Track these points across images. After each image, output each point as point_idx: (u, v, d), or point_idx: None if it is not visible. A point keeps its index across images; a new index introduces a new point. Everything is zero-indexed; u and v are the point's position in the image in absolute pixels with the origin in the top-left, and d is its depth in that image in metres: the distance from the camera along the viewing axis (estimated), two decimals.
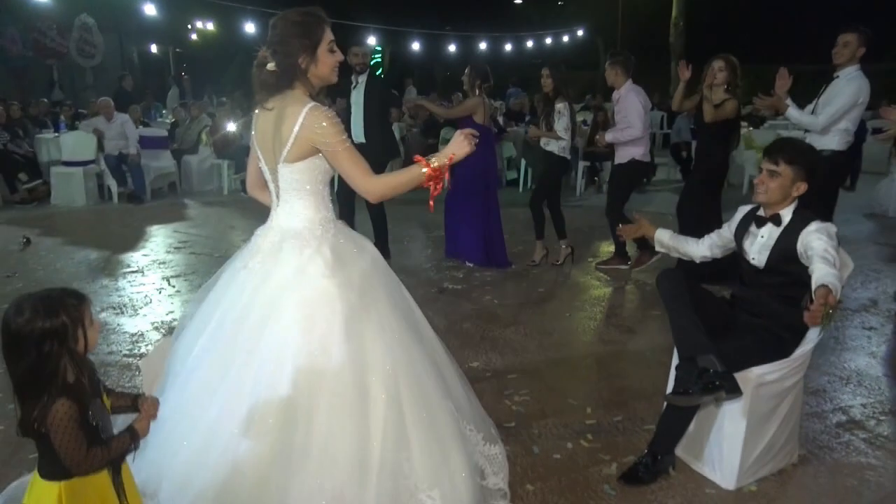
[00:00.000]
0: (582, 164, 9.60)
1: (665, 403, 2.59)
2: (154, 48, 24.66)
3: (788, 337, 2.58)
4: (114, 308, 4.59)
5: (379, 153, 5.15)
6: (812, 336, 2.59)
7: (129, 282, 5.21)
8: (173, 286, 5.11)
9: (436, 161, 2.02)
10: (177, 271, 5.51)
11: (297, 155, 2.07)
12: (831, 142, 4.45)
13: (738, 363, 2.47)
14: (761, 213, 2.63)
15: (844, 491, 2.58)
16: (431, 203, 2.11)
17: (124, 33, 20.67)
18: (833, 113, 4.37)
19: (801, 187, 2.55)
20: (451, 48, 21.02)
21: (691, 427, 2.61)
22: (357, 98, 5.34)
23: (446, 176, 2.03)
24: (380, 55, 23.65)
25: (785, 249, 2.51)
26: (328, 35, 2.11)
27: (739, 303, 2.75)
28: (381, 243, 5.29)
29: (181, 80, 17.72)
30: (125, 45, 22.00)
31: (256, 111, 2.19)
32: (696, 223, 4.71)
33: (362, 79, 5.33)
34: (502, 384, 3.44)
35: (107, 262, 5.81)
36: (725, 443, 2.56)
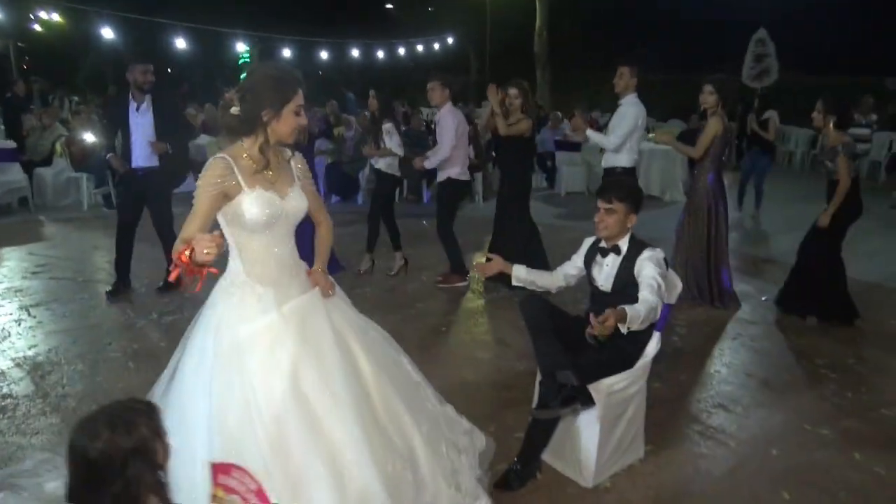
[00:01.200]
0: None
1: (530, 416, 2.89)
2: None
3: (632, 350, 2.97)
4: None
5: (172, 174, 5.30)
6: (650, 349, 3.00)
7: None
8: (34, 316, 4.83)
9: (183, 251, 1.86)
10: (36, 299, 5.20)
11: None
12: (622, 159, 5.25)
13: (591, 376, 2.81)
14: (603, 244, 3.02)
15: (682, 479, 3.01)
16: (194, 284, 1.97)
17: None
18: (622, 134, 5.16)
19: (633, 219, 2.97)
20: (324, 54, 20.86)
21: (556, 434, 2.93)
22: (142, 120, 5.00)
23: (201, 272, 1.87)
24: (248, 56, 22.97)
25: (626, 275, 2.91)
26: (299, 98, 2.18)
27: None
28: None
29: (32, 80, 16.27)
30: None
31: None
32: (510, 236, 5.48)
33: (147, 99, 5.00)
34: None
35: None
36: (582, 446, 2.90)
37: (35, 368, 3.96)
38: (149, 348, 4.36)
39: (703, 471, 3.08)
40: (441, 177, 5.72)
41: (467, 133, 5.81)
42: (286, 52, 19.02)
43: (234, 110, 2.15)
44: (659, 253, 2.93)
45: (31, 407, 3.50)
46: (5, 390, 3.66)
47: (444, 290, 5.57)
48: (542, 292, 3.25)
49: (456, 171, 5.64)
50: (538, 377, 2.91)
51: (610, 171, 5.32)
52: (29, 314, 4.87)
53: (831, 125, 4.58)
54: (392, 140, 5.70)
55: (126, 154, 5.03)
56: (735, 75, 13.89)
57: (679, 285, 3.07)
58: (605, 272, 3.01)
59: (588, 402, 2.71)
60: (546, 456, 3.03)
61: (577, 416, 2.88)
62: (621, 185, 3.04)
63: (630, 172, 5.26)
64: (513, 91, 5.35)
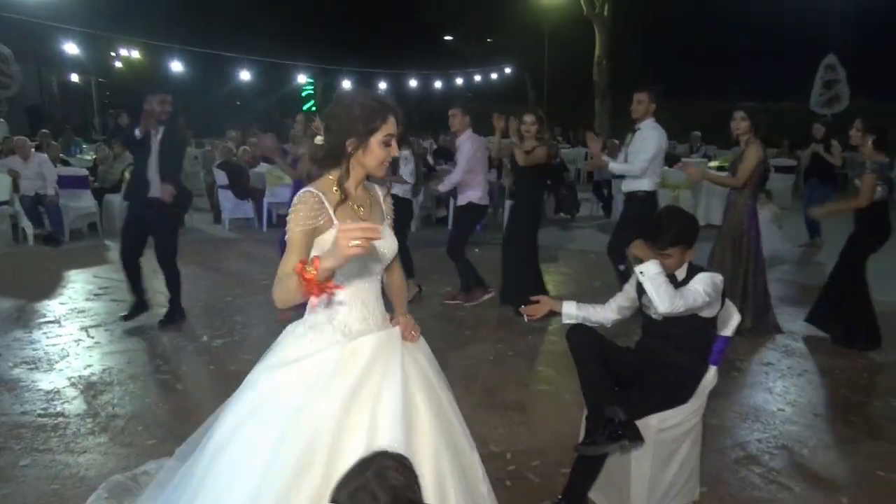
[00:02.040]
0: (509, 203, 9.88)
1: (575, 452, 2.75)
2: (75, 77, 23.92)
3: (687, 384, 2.80)
4: (27, 363, 4.44)
5: (179, 206, 5.29)
6: (707, 382, 2.82)
7: (45, 333, 5.05)
8: (92, 337, 4.98)
9: (309, 269, 1.70)
10: (96, 321, 5.37)
11: None
12: (644, 184, 5.23)
13: (641, 411, 2.66)
14: None
15: None
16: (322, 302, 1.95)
17: (43, 62, 20.01)
18: (646, 159, 5.15)
19: (691, 253, 2.81)
20: (382, 85, 21.34)
21: (603, 469, 2.78)
22: (154, 149, 4.95)
23: (328, 288, 1.72)
24: (312, 87, 23.73)
25: None
26: (389, 126, 2.00)
27: (643, 352, 2.96)
28: (175, 301, 5.27)
29: (109, 114, 17.19)
30: (44, 75, 21.28)
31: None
32: (517, 263, 5.54)
33: (161, 130, 4.93)
34: None
35: (20, 312, 5.60)
36: (632, 484, 2.73)
37: (88, 388, 4.06)
38: (198, 371, 4.42)
39: None
40: (461, 200, 5.83)
41: (487, 158, 5.87)
42: (346, 83, 19.54)
43: (319, 140, 2.08)
44: (717, 277, 2.76)
45: (82, 426, 3.56)
46: (59, 408, 3.75)
47: (491, 317, 5.50)
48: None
49: (477, 195, 5.72)
50: (585, 411, 2.78)
51: (631, 196, 5.36)
52: (88, 335, 5.03)
53: (870, 143, 4.62)
54: (406, 168, 5.76)
55: (141, 184, 4.97)
56: (803, 102, 13.47)
57: (736, 317, 2.89)
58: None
59: (636, 438, 2.55)
60: (594, 494, 2.87)
61: (626, 454, 2.73)
62: (674, 229, 2.75)
63: (651, 196, 5.29)
64: (528, 118, 5.36)
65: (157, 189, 4.93)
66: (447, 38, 27.96)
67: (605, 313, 3.04)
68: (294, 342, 2.08)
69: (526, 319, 3.09)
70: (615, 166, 5.45)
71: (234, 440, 1.99)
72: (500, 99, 18.33)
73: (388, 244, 2.12)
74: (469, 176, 5.68)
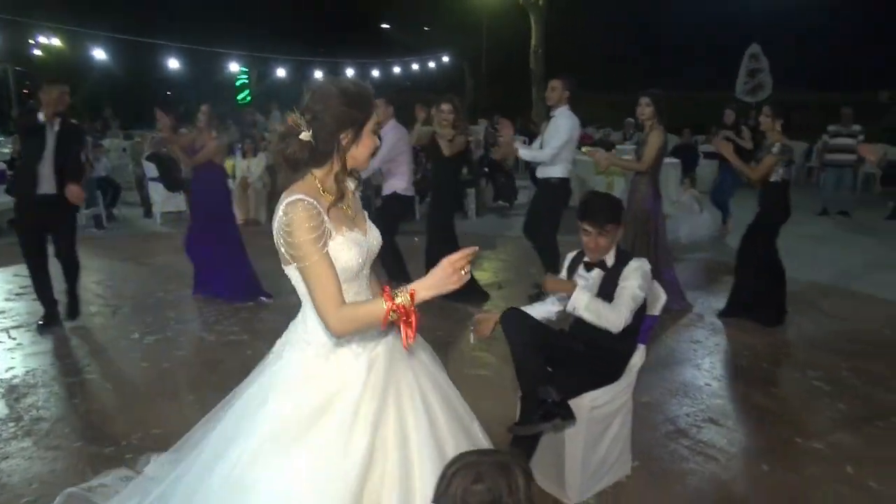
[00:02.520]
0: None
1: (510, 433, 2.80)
2: None
3: (617, 363, 2.89)
4: None
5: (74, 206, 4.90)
6: (637, 361, 2.93)
7: None
8: (13, 338, 4.75)
9: (400, 297, 1.68)
10: (17, 321, 5.12)
11: (284, 258, 1.81)
12: (556, 170, 5.32)
13: (573, 390, 2.73)
14: (587, 258, 2.94)
15: (671, 496, 2.91)
16: (406, 338, 1.73)
17: None
18: (556, 146, 5.22)
19: (620, 232, 2.89)
20: (318, 74, 21.01)
21: (539, 449, 2.85)
22: (49, 142, 4.58)
23: (412, 318, 1.69)
24: (246, 76, 23.13)
25: (610, 288, 2.82)
26: (375, 114, 1.88)
27: (576, 335, 3.03)
28: (74, 293, 5.05)
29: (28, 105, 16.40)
30: None
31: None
32: (439, 248, 5.39)
33: (57, 122, 4.59)
34: None
35: None
36: (566, 462, 2.81)
37: (10, 391, 3.88)
38: (129, 369, 4.28)
39: (693, 487, 2.99)
40: (386, 190, 5.76)
41: (411, 149, 5.88)
42: (281, 72, 19.13)
43: (306, 136, 1.76)
44: (645, 264, 2.85)
45: (4, 430, 3.40)
46: None
47: (439, 307, 5.46)
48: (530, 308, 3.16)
49: (401, 186, 5.67)
50: (519, 393, 2.84)
51: (545, 183, 5.45)
52: (9, 336, 4.79)
53: (778, 127, 4.89)
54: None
55: (30, 178, 4.60)
56: (731, 91, 13.99)
57: (663, 297, 3.00)
58: (589, 286, 2.93)
59: (569, 417, 2.62)
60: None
61: (560, 432, 2.80)
62: (609, 206, 2.89)
63: (565, 183, 5.41)
64: (446, 107, 5.34)
65: (51, 185, 4.58)
66: (384, 26, 27.77)
67: (547, 307, 3.09)
68: (316, 372, 1.89)
69: (474, 340, 3.06)
70: (525, 153, 5.56)
71: (257, 475, 1.79)
72: (438, 87, 18.39)
73: (377, 237, 2.00)
74: (392, 165, 5.62)
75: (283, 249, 1.77)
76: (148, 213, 9.77)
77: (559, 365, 2.85)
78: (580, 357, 2.86)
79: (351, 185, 1.98)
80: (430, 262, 5.71)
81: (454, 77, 26.96)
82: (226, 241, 5.52)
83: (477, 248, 1.71)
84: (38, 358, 4.40)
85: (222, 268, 5.56)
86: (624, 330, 2.84)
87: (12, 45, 20.72)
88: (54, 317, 4.92)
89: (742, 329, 5.00)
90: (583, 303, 2.73)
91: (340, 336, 1.80)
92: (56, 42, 21.43)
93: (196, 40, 16.31)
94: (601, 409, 2.80)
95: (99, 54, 15.07)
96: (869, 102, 12.15)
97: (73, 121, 4.87)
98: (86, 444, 3.25)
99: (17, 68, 23.57)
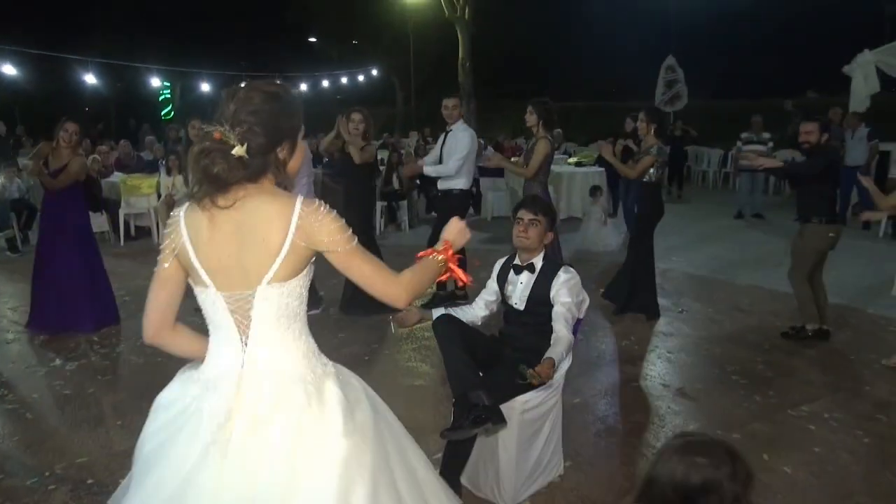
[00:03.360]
0: (379, 205, 9.92)
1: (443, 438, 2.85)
2: None
3: None
4: None
5: None
6: (563, 365, 3.03)
7: None
8: None
9: (441, 248, 1.87)
10: None
11: (291, 269, 1.59)
12: (459, 182, 5.64)
13: (504, 395, 2.81)
14: (517, 261, 3.05)
15: (603, 493, 3.02)
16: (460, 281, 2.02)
17: None
18: (459, 158, 5.54)
19: (549, 236, 3.02)
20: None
21: (473, 455, 2.91)
22: None
23: (455, 261, 1.90)
24: (169, 91, 22.49)
25: (540, 293, 2.95)
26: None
27: (506, 339, 3.13)
28: None
29: None
30: None
31: (182, 207, 1.64)
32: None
33: None
34: None
35: None
36: (500, 466, 2.88)
37: None
38: (50, 397, 4.10)
39: (621, 483, 3.11)
40: None
41: (310, 162, 5.99)
42: (205, 87, 18.70)
43: (239, 151, 1.53)
44: (575, 276, 2.99)
45: None
46: None
47: (362, 320, 5.39)
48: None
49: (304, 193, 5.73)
50: (453, 399, 2.89)
51: (447, 194, 5.71)
52: None
53: (652, 131, 5.29)
54: None
55: None
56: (650, 100, 14.58)
57: (587, 300, 3.13)
58: (519, 290, 3.03)
59: (500, 421, 2.69)
60: (467, 481, 3.00)
61: (492, 437, 2.87)
62: (544, 203, 3.14)
63: (467, 194, 5.78)
64: (357, 116, 5.47)
65: None
66: (311, 39, 27.58)
67: (474, 311, 3.18)
68: (297, 414, 1.57)
69: (395, 329, 3.13)
70: (429, 168, 5.78)
71: None
72: (367, 101, 18.38)
73: None
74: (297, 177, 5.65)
75: (311, 248, 1.58)
76: None
77: (490, 369, 2.94)
78: (511, 361, 2.95)
79: None
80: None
81: (385, 90, 27.01)
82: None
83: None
84: None
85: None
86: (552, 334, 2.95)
87: None
88: None
89: (662, 329, 5.23)
90: (560, 362, 2.79)
91: (408, 303, 1.77)
92: None
93: (116, 54, 15.77)
94: (532, 411, 2.89)
95: (7, 70, 14.34)
96: (776, 110, 12.90)
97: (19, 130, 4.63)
98: (6, 477, 3.11)
99: None
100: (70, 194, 5.11)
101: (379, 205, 9.87)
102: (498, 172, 10.84)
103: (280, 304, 1.60)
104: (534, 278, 3.01)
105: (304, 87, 22.00)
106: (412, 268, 1.78)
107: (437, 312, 3.09)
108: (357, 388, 1.75)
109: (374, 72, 24.71)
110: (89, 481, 3.07)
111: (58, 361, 4.63)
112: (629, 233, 8.18)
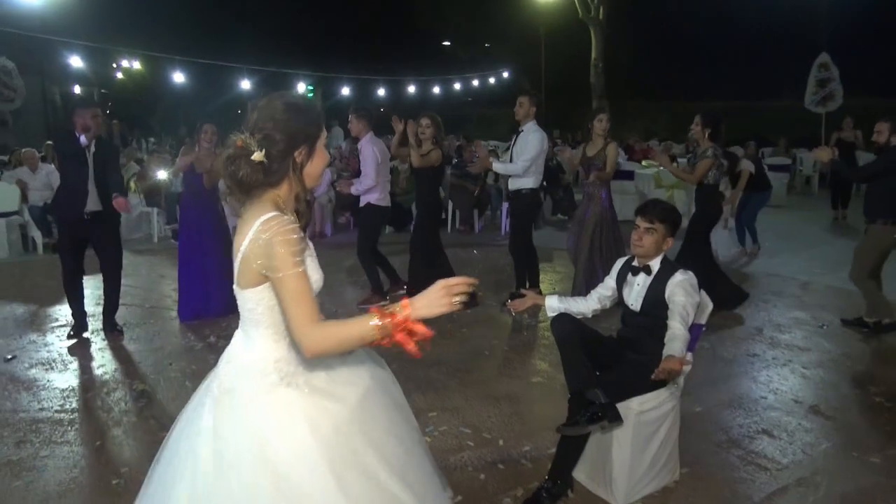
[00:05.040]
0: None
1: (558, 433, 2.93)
2: (78, 89, 24.23)
3: None
4: (43, 364, 4.65)
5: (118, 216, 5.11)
6: (683, 369, 3.00)
7: (58, 336, 5.25)
8: (104, 339, 5.17)
9: (391, 310, 1.61)
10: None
11: (246, 279, 1.72)
12: (528, 182, 5.64)
13: (621, 394, 2.84)
14: (635, 263, 3.06)
15: (717, 503, 2.97)
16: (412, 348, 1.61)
17: (47, 75, 20.30)
18: (527, 159, 5.52)
19: (669, 242, 3.00)
20: (381, 91, 21.58)
21: (587, 452, 2.96)
22: (90, 162, 4.85)
23: (415, 328, 1.59)
24: (312, 94, 23.97)
25: (655, 296, 2.94)
26: (325, 130, 1.81)
27: (623, 340, 3.14)
28: (113, 311, 5.27)
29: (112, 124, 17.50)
30: (47, 87, 21.57)
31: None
32: (423, 253, 5.74)
33: (93, 143, 4.85)
34: (423, 422, 3.71)
35: (34, 317, 5.81)
36: (614, 465, 2.91)
37: (101, 386, 4.26)
38: (205, 369, 4.58)
39: (741, 495, 3.03)
40: (362, 202, 5.93)
41: (388, 160, 6.09)
42: (345, 90, 19.77)
43: (258, 156, 1.66)
44: (691, 277, 2.95)
45: (96, 420, 3.76)
46: (74, 405, 3.95)
47: (482, 315, 5.62)
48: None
49: (375, 196, 5.84)
50: (569, 395, 2.96)
51: (516, 194, 5.74)
52: (101, 337, 5.22)
53: (707, 135, 5.43)
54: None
55: (73, 196, 4.84)
56: (798, 101, 13.62)
57: (710, 305, 3.08)
58: (636, 291, 3.05)
59: (616, 419, 2.73)
60: (579, 475, 3.05)
61: (608, 435, 2.90)
62: (664, 207, 3.08)
63: (535, 193, 5.80)
64: (425, 121, 5.59)
65: (96, 202, 4.86)
66: (445, 43, 28.25)
67: (586, 304, 3.23)
68: (266, 409, 1.75)
69: (512, 313, 3.26)
70: (498, 167, 5.89)
71: None
72: (498, 102, 18.60)
73: (321, 276, 1.85)
74: (369, 177, 5.77)
75: (256, 264, 1.67)
76: None
77: (607, 369, 2.98)
78: (628, 362, 2.97)
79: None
80: (413, 272, 5.89)
81: (515, 92, 27.13)
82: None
83: (476, 280, 1.68)
84: (126, 357, 4.80)
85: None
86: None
87: (98, 70, 22.18)
88: (83, 327, 5.22)
89: (797, 343, 4.95)
90: (679, 346, 2.76)
91: (314, 356, 1.66)
92: (137, 66, 22.83)
93: (265, 62, 17.15)
94: (648, 413, 2.89)
95: (177, 77, 15.99)
96: None
97: (104, 137, 5.18)
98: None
99: (103, 90, 25.20)
100: (211, 191, 5.67)
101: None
102: (628, 175, 10.67)
103: (244, 308, 1.79)
104: (650, 280, 3.01)
105: (436, 89, 22.59)
106: (344, 321, 1.66)
107: (551, 300, 3.18)
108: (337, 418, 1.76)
109: (505, 74, 24.88)
110: None
111: (212, 339, 5.17)
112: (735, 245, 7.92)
